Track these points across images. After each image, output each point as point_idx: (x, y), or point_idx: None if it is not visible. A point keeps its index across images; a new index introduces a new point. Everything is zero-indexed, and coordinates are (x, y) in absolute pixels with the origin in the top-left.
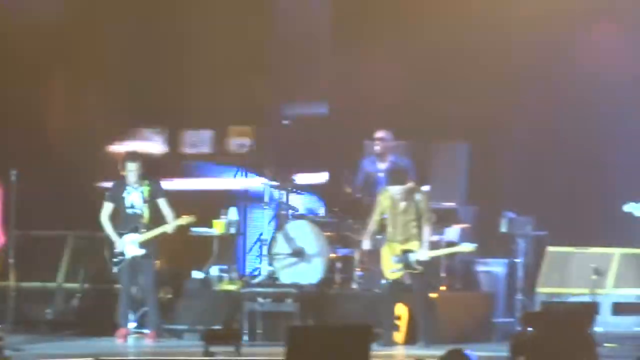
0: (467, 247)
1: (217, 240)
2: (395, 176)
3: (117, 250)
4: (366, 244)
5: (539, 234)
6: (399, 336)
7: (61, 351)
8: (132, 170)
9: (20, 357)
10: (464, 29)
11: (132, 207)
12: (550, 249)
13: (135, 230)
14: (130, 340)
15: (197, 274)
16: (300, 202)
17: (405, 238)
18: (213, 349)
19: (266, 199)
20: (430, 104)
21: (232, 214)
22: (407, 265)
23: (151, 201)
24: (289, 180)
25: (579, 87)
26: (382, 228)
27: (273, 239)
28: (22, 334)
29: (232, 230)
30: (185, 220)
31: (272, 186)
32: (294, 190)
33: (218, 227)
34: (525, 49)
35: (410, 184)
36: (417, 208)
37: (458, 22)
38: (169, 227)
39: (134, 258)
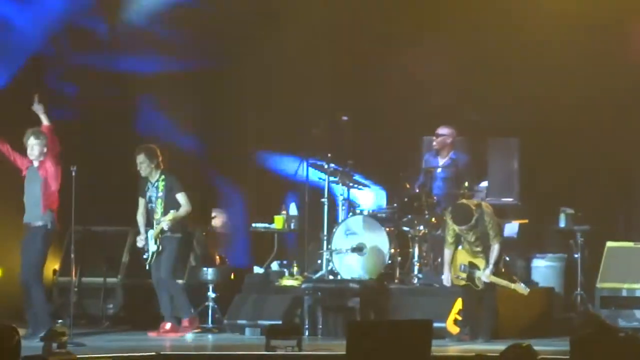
0: (521, 289)
1: (278, 236)
2: (459, 216)
3: (139, 246)
4: (446, 279)
5: (597, 229)
6: (455, 329)
7: (123, 346)
8: (138, 164)
9: (82, 352)
10: (515, 26)
11: (150, 202)
12: (610, 244)
13: (152, 226)
14: (190, 335)
15: (258, 270)
16: (360, 197)
17: (474, 253)
18: (274, 343)
19: (326, 194)
20: (486, 99)
21: (292, 209)
22: (471, 278)
23: (168, 196)
24: (349, 175)
25: (634, 80)
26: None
27: (333, 234)
28: (83, 330)
29: (292, 226)
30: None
31: (332, 181)
32: (354, 185)
33: (278, 223)
34: (580, 44)
35: (475, 217)
36: (482, 232)
37: (508, 21)
38: (163, 224)
39: (153, 253)
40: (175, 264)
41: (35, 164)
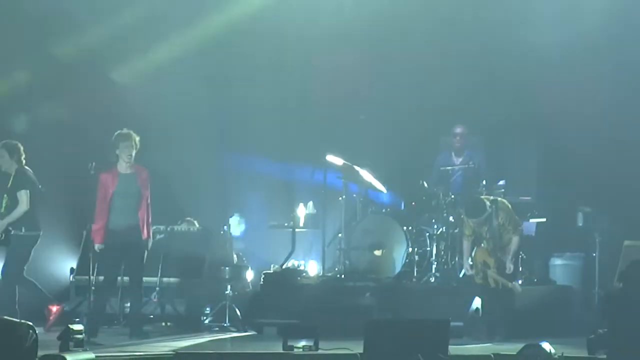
0: (517, 289)
1: (295, 234)
2: (472, 208)
3: None
4: (467, 268)
5: (615, 228)
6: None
7: (140, 344)
8: None
9: (99, 350)
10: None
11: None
12: (627, 242)
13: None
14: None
15: (276, 268)
16: (378, 196)
17: (488, 251)
18: (291, 342)
19: (344, 193)
20: (503, 98)
21: (311, 208)
22: (484, 276)
23: (11, 193)
24: (367, 173)
25: None
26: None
27: (351, 232)
28: (101, 328)
29: (311, 225)
30: None
31: (350, 180)
32: (372, 184)
33: (297, 221)
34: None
35: (488, 210)
36: (496, 230)
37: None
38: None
39: None
40: (24, 261)
41: None
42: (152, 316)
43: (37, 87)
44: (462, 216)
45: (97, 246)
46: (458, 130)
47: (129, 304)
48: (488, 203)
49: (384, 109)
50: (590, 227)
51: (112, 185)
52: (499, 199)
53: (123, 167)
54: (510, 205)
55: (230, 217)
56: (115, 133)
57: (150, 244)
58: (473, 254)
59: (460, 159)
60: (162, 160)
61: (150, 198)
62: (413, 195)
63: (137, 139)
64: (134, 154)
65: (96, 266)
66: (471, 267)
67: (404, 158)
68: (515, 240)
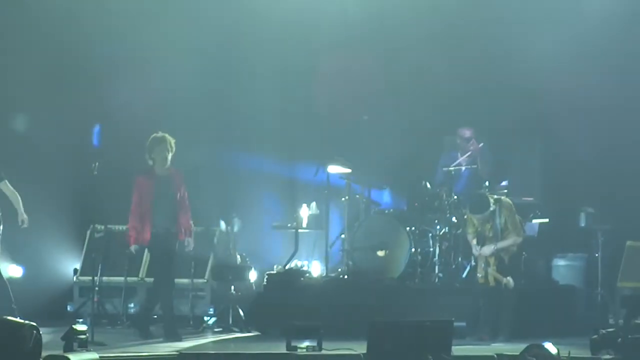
0: (510, 284)
1: (299, 235)
2: (475, 204)
3: None
4: (475, 249)
5: (617, 228)
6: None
7: (144, 345)
8: None
9: (103, 351)
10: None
11: None
12: (630, 243)
13: None
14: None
15: (279, 268)
16: (381, 196)
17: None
18: (295, 342)
19: (348, 193)
20: (506, 99)
21: (314, 208)
22: (485, 275)
23: None
24: (370, 174)
25: None
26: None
27: (355, 233)
28: (105, 329)
29: (314, 225)
30: None
31: (353, 181)
32: (375, 184)
33: (300, 222)
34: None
35: (492, 207)
36: (499, 228)
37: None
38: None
39: None
40: None
41: None
42: (155, 316)
43: (39, 87)
44: (465, 215)
45: (132, 247)
46: (468, 133)
47: (132, 305)
48: (492, 200)
49: (387, 110)
50: (593, 227)
51: (149, 188)
52: (503, 198)
53: (159, 170)
54: (513, 206)
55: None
56: (150, 136)
57: (191, 244)
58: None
59: (466, 159)
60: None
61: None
62: (416, 195)
63: (173, 141)
64: (169, 157)
65: (99, 267)
66: (479, 277)
67: (407, 158)
68: (510, 238)
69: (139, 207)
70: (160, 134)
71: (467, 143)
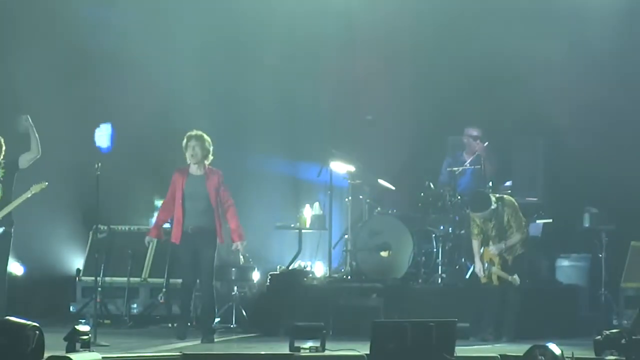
0: (516, 281)
1: (302, 235)
2: (476, 202)
3: None
4: (479, 269)
5: (621, 228)
6: None
7: (146, 346)
8: None
9: (106, 352)
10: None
11: None
12: (634, 243)
13: None
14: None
15: (282, 269)
16: (384, 196)
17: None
18: (298, 343)
19: (350, 194)
20: (509, 99)
21: (317, 209)
22: (489, 276)
23: (6, 180)
24: (373, 175)
25: None
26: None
27: (358, 233)
28: (107, 329)
29: (317, 225)
30: (35, 189)
31: (356, 181)
32: (378, 185)
33: (302, 222)
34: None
35: (493, 206)
36: (502, 227)
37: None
38: (16, 202)
39: None
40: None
41: None
42: (158, 317)
43: (41, 87)
44: (467, 213)
45: (146, 239)
46: (475, 132)
47: (135, 305)
48: (494, 199)
49: (391, 110)
50: (597, 227)
51: (181, 185)
52: (506, 196)
53: (193, 168)
54: (516, 204)
55: None
56: (187, 134)
57: (240, 246)
58: (482, 256)
59: (471, 159)
60: (168, 160)
61: (232, 200)
62: (419, 196)
63: (208, 140)
64: (201, 155)
65: (102, 267)
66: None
67: (410, 159)
68: (515, 237)
69: (169, 203)
70: (194, 132)
71: (474, 142)
